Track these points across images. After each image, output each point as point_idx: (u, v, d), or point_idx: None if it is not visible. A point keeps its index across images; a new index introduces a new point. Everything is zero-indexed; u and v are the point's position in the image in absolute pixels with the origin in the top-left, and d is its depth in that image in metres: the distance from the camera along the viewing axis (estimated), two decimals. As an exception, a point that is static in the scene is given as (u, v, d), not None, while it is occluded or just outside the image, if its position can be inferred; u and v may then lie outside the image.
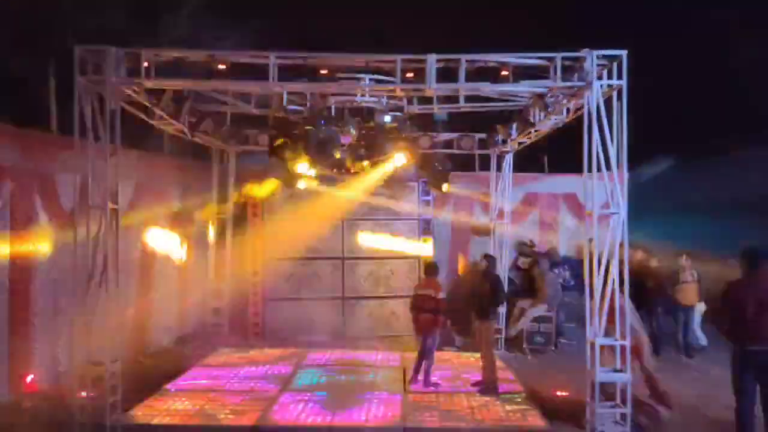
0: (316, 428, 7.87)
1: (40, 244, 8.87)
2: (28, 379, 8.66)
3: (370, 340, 12.64)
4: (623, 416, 7.11)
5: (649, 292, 11.78)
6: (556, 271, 13.25)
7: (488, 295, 9.42)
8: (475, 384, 9.52)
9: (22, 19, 11.70)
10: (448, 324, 11.03)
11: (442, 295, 9.54)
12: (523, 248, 13.53)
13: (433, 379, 9.58)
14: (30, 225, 8.59)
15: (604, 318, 7.27)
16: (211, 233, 12.76)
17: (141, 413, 8.20)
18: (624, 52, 7.28)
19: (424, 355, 9.61)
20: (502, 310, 10.50)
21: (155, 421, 7.93)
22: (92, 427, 7.08)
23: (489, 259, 9.93)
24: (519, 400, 8.89)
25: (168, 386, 9.45)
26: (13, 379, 8.41)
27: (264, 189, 12.44)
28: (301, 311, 12.83)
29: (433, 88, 7.62)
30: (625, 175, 7.59)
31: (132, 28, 11.08)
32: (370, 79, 8.38)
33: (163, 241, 12.17)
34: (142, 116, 9.30)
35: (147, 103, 8.59)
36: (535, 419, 8.08)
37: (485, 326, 9.47)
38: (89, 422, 7.08)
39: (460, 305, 10.58)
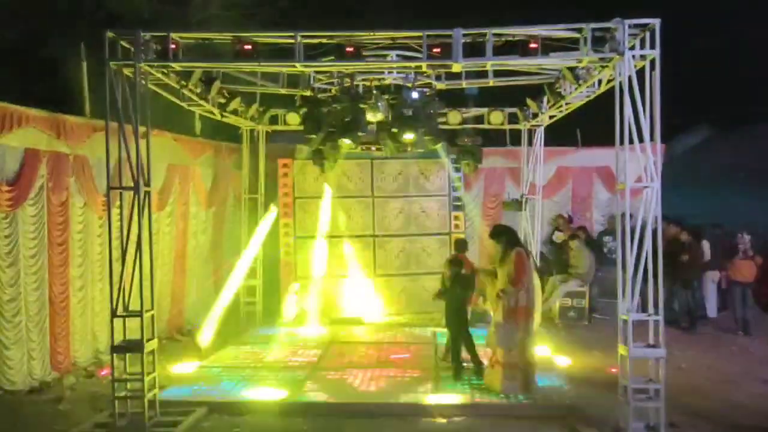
0: (349, 404, 7.95)
1: (76, 225, 9.07)
2: (69, 356, 8.93)
3: (402, 314, 12.73)
4: (656, 391, 6.99)
5: (683, 266, 11.60)
6: (605, 239, 13.30)
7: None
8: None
9: (52, 4, 11.86)
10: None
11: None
12: (559, 222, 13.43)
13: (464, 354, 9.58)
14: (65, 207, 8.78)
15: (637, 293, 7.14)
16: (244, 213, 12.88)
17: (177, 389, 8.38)
18: (657, 21, 6.97)
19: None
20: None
21: (191, 397, 8.08)
22: (131, 403, 7.25)
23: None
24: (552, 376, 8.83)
25: (204, 363, 9.64)
26: (54, 356, 8.67)
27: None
28: (333, 289, 12.92)
29: (460, 62, 7.48)
30: (659, 147, 7.39)
31: (159, 10, 11.16)
32: (397, 56, 8.29)
33: (196, 221, 12.33)
34: (172, 98, 9.40)
35: (176, 85, 8.66)
36: (568, 395, 8.02)
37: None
38: (128, 398, 7.25)
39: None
